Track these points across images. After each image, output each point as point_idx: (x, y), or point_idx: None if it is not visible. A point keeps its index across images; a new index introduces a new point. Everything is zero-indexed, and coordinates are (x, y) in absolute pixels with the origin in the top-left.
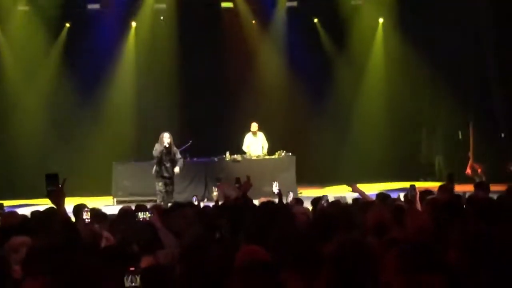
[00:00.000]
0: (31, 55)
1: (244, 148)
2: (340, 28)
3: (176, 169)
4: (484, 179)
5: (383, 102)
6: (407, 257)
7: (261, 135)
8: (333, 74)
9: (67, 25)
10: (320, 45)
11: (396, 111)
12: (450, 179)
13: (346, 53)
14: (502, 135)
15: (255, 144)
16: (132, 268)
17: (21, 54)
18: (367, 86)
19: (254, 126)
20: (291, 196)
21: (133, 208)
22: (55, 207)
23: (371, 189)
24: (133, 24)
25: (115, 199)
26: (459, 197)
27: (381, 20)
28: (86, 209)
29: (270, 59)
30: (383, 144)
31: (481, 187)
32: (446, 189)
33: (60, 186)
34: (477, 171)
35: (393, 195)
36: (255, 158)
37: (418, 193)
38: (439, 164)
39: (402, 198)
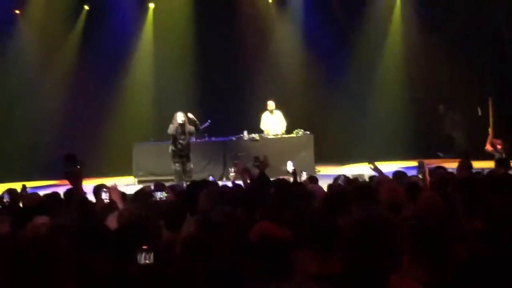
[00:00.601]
0: (50, 38)
1: (262, 127)
2: (357, 4)
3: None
4: (504, 155)
5: (401, 79)
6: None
7: (278, 114)
8: (350, 51)
9: (86, 7)
10: (337, 23)
11: (414, 87)
12: (466, 156)
13: (364, 29)
14: None
15: (272, 122)
16: (145, 246)
17: (40, 37)
18: (385, 63)
19: (271, 104)
20: (304, 175)
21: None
22: (73, 187)
23: (390, 167)
24: (151, 5)
25: (136, 179)
26: (477, 174)
27: None
28: (104, 189)
29: (286, 36)
30: (401, 121)
31: (502, 163)
32: (464, 166)
33: (78, 167)
34: (497, 147)
35: (412, 172)
36: (273, 137)
37: (427, 169)
38: (459, 140)
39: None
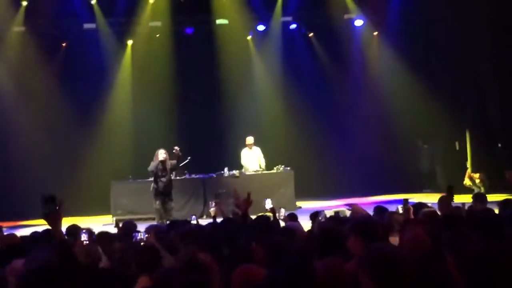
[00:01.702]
0: (27, 75)
1: (242, 162)
2: (336, 41)
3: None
4: (483, 188)
5: (380, 115)
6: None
7: (257, 150)
8: (330, 88)
9: (64, 45)
10: (316, 59)
11: (393, 123)
12: (450, 191)
13: (342, 66)
14: (499, 145)
15: (251, 158)
16: None
17: (17, 74)
18: (363, 97)
19: (250, 139)
20: (282, 212)
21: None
22: (51, 228)
23: (373, 201)
24: (129, 42)
25: (114, 218)
26: (457, 209)
27: (375, 33)
28: (84, 230)
29: (266, 73)
30: (381, 156)
31: (479, 199)
32: (445, 202)
33: (57, 208)
34: (475, 181)
35: (393, 207)
36: (253, 173)
37: (411, 207)
38: (438, 174)
39: (400, 211)
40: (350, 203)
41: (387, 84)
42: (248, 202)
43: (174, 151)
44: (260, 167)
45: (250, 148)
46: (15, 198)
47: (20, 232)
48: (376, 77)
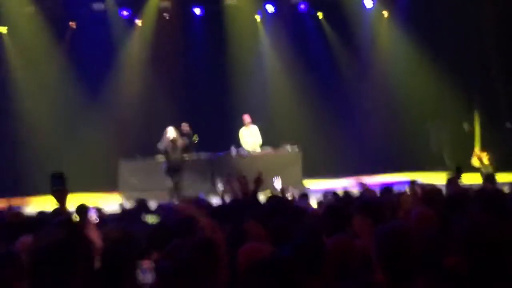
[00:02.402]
0: (37, 55)
1: (242, 142)
2: (345, 22)
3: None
4: (491, 169)
5: (388, 94)
6: None
7: (253, 128)
8: (339, 68)
9: (72, 24)
10: (325, 40)
11: (401, 103)
12: (458, 172)
13: (352, 47)
14: (508, 124)
15: (248, 137)
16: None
17: (27, 54)
18: (372, 78)
19: (246, 118)
20: (291, 192)
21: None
22: (59, 206)
23: (381, 181)
24: (138, 22)
25: (123, 195)
26: (465, 190)
27: (385, 13)
28: (94, 209)
29: (274, 54)
30: (390, 135)
31: (488, 179)
32: (453, 183)
33: (64, 185)
34: (483, 161)
35: (400, 187)
36: (261, 152)
37: (418, 188)
38: (447, 154)
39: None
40: (361, 182)
41: (397, 65)
42: (260, 180)
43: (182, 128)
44: (256, 146)
45: (248, 126)
46: (25, 174)
47: (29, 209)
48: (385, 58)
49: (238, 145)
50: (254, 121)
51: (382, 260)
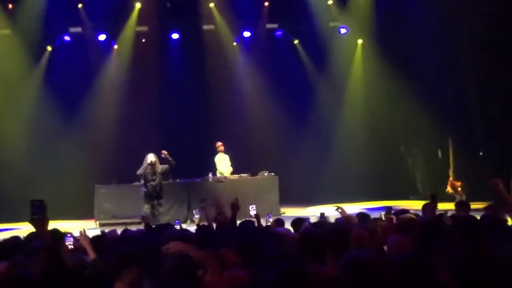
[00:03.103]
0: (12, 78)
1: (218, 168)
2: (320, 48)
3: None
4: (464, 197)
5: (363, 122)
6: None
7: (225, 156)
8: (314, 95)
9: (49, 48)
10: (301, 66)
11: (376, 130)
12: (433, 199)
13: (327, 73)
14: (481, 153)
15: (224, 162)
16: None
17: (1, 77)
18: (347, 106)
19: (219, 144)
20: (271, 217)
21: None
22: (38, 232)
23: (354, 208)
24: (115, 46)
25: (97, 222)
26: (441, 216)
27: (360, 41)
28: (69, 235)
29: (251, 80)
30: (365, 163)
31: (462, 206)
32: (428, 209)
33: (45, 212)
34: (457, 189)
35: (375, 214)
36: (238, 178)
37: (393, 215)
38: (421, 182)
39: (383, 217)
40: (339, 206)
41: (371, 91)
42: (236, 206)
43: (162, 155)
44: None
45: (222, 152)
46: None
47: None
48: (360, 84)
49: (215, 171)
50: (226, 148)
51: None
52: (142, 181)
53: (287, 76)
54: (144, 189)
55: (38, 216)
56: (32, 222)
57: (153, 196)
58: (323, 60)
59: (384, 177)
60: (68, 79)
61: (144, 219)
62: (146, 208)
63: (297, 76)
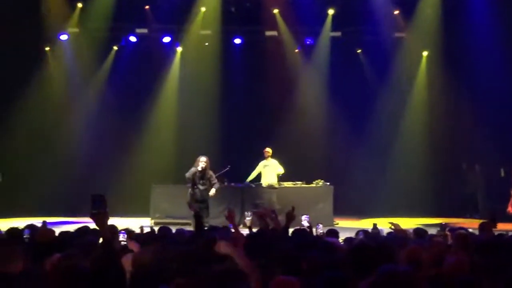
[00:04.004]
0: (78, 76)
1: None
2: (383, 60)
3: (212, 191)
4: None
5: (424, 135)
6: None
7: (273, 161)
8: (375, 106)
9: (115, 48)
10: (362, 76)
11: (437, 144)
12: (493, 219)
13: (389, 84)
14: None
15: (267, 170)
16: None
17: (68, 75)
18: (409, 118)
19: (267, 151)
20: (320, 228)
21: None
22: (97, 228)
23: (409, 224)
24: (179, 49)
25: (152, 221)
26: (499, 236)
27: (425, 53)
28: (122, 231)
29: (312, 88)
30: (423, 178)
31: None
32: (486, 228)
33: (105, 208)
34: None
35: (432, 231)
36: (292, 185)
37: (449, 232)
38: (480, 200)
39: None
40: (392, 222)
41: (434, 105)
42: (292, 216)
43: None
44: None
45: (268, 159)
46: (60, 195)
47: (64, 229)
48: (423, 97)
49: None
50: (283, 156)
51: None
52: (190, 184)
53: (348, 85)
54: (191, 192)
55: (99, 210)
56: (93, 216)
57: (200, 200)
58: (386, 70)
59: (442, 193)
60: (131, 79)
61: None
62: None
63: (359, 85)
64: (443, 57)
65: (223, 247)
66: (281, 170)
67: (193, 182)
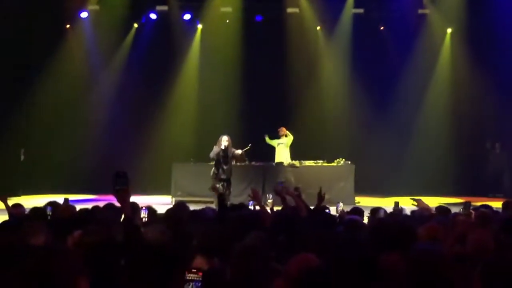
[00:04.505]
0: (98, 54)
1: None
2: (406, 37)
3: (238, 151)
4: None
5: (447, 113)
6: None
7: (287, 138)
8: (397, 83)
9: (135, 25)
10: (385, 53)
11: (460, 123)
12: None
13: (412, 62)
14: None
15: (282, 148)
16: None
17: (89, 53)
18: (432, 96)
19: (282, 130)
20: (340, 206)
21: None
22: (119, 205)
23: (431, 202)
24: (199, 26)
25: (173, 199)
26: None
27: (449, 30)
28: (144, 207)
29: (333, 65)
30: (446, 156)
31: None
32: (509, 206)
33: (127, 185)
34: None
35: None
36: (313, 164)
37: (473, 211)
38: (505, 179)
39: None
40: (415, 198)
41: (458, 83)
42: (322, 196)
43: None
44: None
45: (282, 138)
46: (82, 172)
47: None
48: (447, 75)
49: (293, 156)
50: (304, 134)
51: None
52: (213, 163)
53: (370, 63)
54: (215, 171)
55: (121, 187)
56: (116, 192)
57: (223, 179)
58: (409, 48)
59: (466, 172)
60: (151, 56)
61: (216, 190)
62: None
63: (381, 63)
64: (467, 35)
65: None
66: (290, 137)
67: (217, 161)
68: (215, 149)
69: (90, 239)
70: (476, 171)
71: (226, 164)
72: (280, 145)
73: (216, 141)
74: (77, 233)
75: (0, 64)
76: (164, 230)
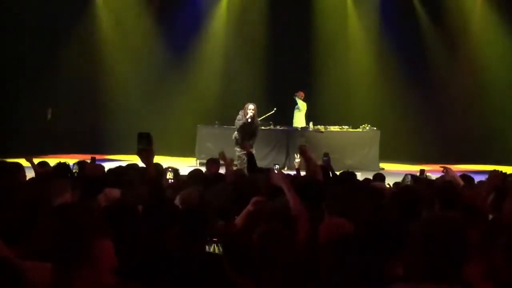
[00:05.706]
0: (126, 19)
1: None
2: (437, 5)
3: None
4: None
5: (476, 80)
6: None
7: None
8: (426, 48)
9: None
10: (414, 18)
11: (489, 90)
12: None
13: (442, 26)
14: None
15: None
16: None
17: (116, 18)
18: (461, 64)
19: (301, 94)
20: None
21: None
22: (144, 165)
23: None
24: None
25: (198, 161)
26: None
27: None
28: (170, 169)
29: (360, 29)
30: (473, 124)
31: None
32: None
33: (150, 145)
34: None
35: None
36: (338, 129)
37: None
38: None
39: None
40: (444, 166)
41: (488, 50)
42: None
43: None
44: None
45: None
46: (109, 133)
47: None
48: (478, 42)
49: (317, 121)
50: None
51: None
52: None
53: (398, 30)
54: (236, 136)
55: (145, 147)
56: (139, 153)
57: (246, 139)
58: (439, 16)
59: (494, 140)
60: (178, 22)
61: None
62: (239, 151)
63: (410, 30)
64: (499, 1)
65: (276, 179)
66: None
67: (243, 130)
68: (241, 117)
69: (120, 200)
70: (506, 138)
71: (250, 138)
72: (297, 110)
73: (240, 110)
74: (115, 191)
75: (28, 24)
76: (200, 192)
